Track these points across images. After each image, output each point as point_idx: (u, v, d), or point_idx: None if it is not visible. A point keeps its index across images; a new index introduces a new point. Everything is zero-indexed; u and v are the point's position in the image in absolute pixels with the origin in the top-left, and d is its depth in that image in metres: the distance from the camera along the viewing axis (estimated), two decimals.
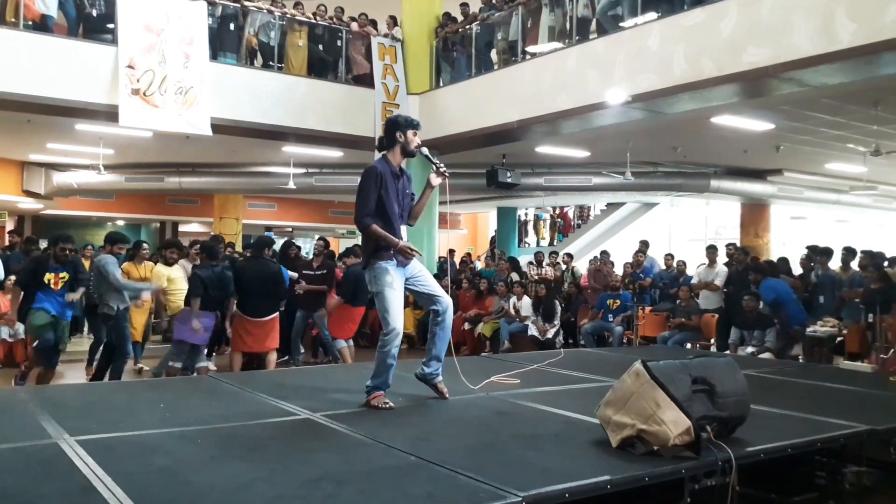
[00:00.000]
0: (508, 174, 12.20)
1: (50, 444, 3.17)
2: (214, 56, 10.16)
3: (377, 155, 13.44)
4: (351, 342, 8.33)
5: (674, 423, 3.06)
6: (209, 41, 9.94)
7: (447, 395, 4.36)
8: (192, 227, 22.21)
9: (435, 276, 12.35)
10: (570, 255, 13.82)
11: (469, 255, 17.38)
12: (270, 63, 11.02)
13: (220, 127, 10.01)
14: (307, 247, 16.54)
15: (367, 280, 4.28)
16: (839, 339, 8.31)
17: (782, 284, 8.81)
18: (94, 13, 9.64)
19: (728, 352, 8.17)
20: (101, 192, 16.99)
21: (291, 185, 13.80)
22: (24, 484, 2.61)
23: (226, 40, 10.49)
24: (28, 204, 16.16)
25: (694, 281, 10.02)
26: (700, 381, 3.26)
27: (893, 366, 6.66)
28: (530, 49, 10.28)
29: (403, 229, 4.26)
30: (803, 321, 8.39)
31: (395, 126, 4.29)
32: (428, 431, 3.53)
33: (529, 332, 10.29)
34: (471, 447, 3.26)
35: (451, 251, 15.14)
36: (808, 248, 9.97)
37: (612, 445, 3.21)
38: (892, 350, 7.08)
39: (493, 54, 11.19)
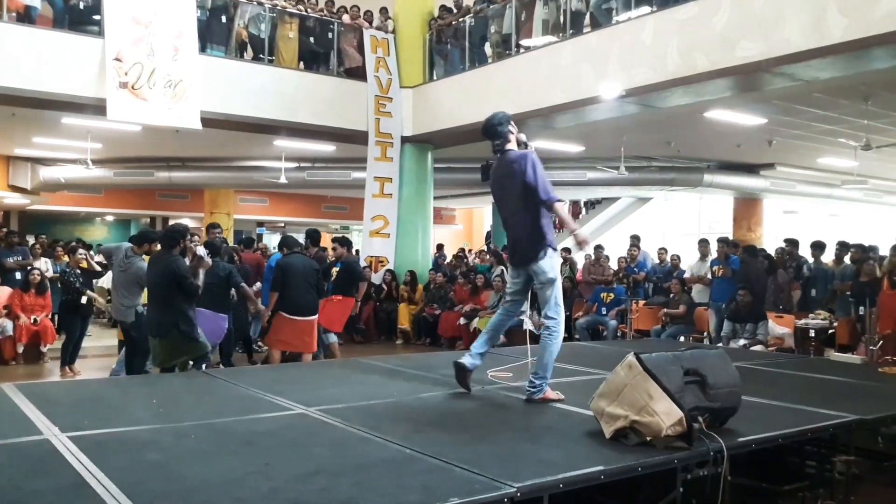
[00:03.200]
0: None
1: (41, 441, 3.16)
2: (204, 49, 10.08)
3: (370, 150, 13.39)
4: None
5: (666, 414, 3.08)
6: (198, 33, 9.86)
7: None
8: (183, 222, 22.08)
9: (430, 271, 12.42)
10: (567, 250, 13.80)
11: (463, 249, 17.38)
12: (261, 56, 10.95)
13: (210, 120, 9.95)
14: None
15: (542, 267, 4.11)
16: (830, 331, 8.37)
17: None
18: (80, 4, 9.56)
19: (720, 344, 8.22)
20: (90, 186, 16.87)
21: (283, 180, 13.74)
22: (16, 480, 2.60)
23: (215, 33, 10.41)
24: (14, 199, 16.02)
25: (686, 275, 10.06)
26: (692, 372, 3.28)
27: (883, 357, 6.70)
28: (524, 42, 10.27)
29: None
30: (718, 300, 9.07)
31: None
32: (423, 425, 3.53)
33: (525, 326, 10.28)
34: (466, 440, 3.26)
35: (440, 246, 15.11)
36: (785, 240, 10.09)
37: (605, 436, 3.23)
38: (881, 341, 7.12)
39: (487, 47, 11.17)
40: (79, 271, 8.40)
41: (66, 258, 11.77)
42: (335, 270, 8.09)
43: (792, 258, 9.75)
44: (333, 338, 7.98)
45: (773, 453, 3.69)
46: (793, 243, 9.94)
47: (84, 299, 8.13)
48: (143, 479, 2.62)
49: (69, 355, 8.18)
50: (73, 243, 12.72)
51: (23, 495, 2.44)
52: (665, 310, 9.55)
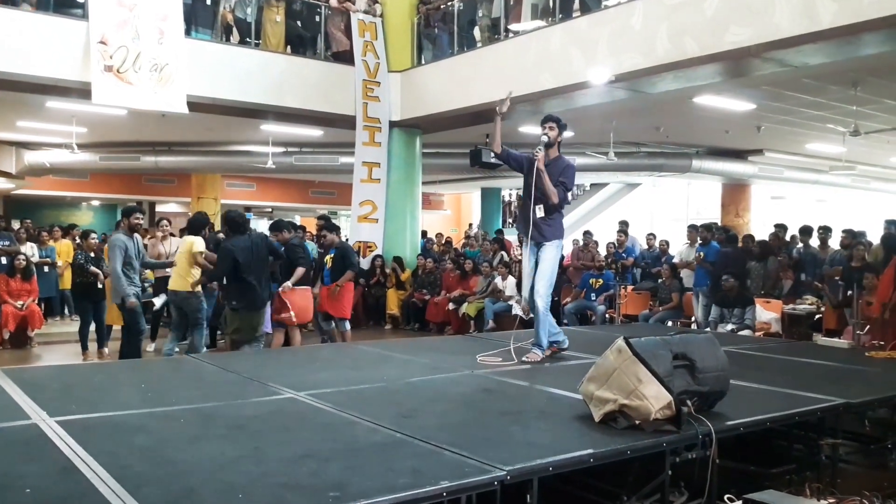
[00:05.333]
0: (492, 154, 12.13)
1: (29, 425, 3.13)
2: (189, 32, 9.95)
3: (358, 134, 13.37)
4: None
5: (655, 397, 3.09)
6: (184, 17, 9.72)
7: (526, 360, 4.89)
8: (170, 207, 21.94)
9: (418, 256, 12.37)
10: None
11: (439, 234, 17.26)
12: (247, 39, 10.83)
13: (196, 105, 9.83)
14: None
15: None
16: (818, 316, 8.44)
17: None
18: None
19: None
20: (75, 171, 16.66)
21: (270, 165, 13.65)
22: (4, 465, 2.57)
23: (201, 16, 10.27)
24: None
25: (676, 260, 10.11)
26: (681, 356, 3.29)
27: (870, 341, 6.77)
28: (513, 27, 10.21)
29: (540, 208, 4.97)
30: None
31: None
32: (413, 409, 3.53)
33: (513, 312, 10.32)
34: (456, 424, 3.27)
35: (424, 233, 15.06)
36: (775, 226, 10.14)
37: (594, 420, 3.24)
38: (868, 326, 7.19)
39: (476, 32, 11.09)
40: (91, 255, 8.37)
41: (52, 242, 11.75)
42: (329, 258, 8.03)
43: (780, 242, 9.81)
44: (348, 325, 7.91)
45: (761, 437, 3.72)
46: (782, 228, 10.00)
47: (99, 284, 8.13)
48: (132, 463, 2.60)
49: (98, 339, 8.25)
50: (56, 228, 12.71)
51: (11, 479, 2.42)
52: (661, 308, 9.64)
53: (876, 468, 4.11)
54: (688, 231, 10.23)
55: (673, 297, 9.59)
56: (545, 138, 4.99)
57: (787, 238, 10.07)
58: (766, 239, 9.99)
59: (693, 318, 9.40)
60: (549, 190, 4.92)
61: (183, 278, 6.91)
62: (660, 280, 9.96)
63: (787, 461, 3.77)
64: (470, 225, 21.34)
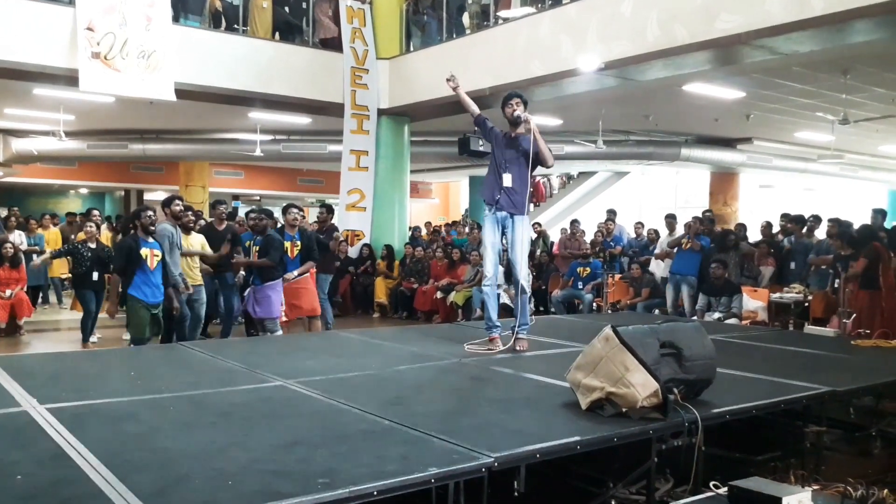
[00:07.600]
0: (481, 142, 12.04)
1: (19, 413, 3.13)
2: (177, 19, 9.89)
3: (346, 122, 13.30)
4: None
5: (642, 385, 3.12)
6: (171, 3, 9.65)
7: (518, 349, 4.85)
8: (158, 195, 21.77)
9: (406, 245, 12.36)
10: (538, 224, 13.85)
11: (428, 222, 17.28)
12: (235, 26, 10.76)
13: (184, 92, 9.78)
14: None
15: None
16: (805, 304, 8.50)
17: None
18: None
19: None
20: (63, 159, 16.53)
21: (258, 153, 13.58)
22: None
23: (188, 2, 10.22)
24: None
25: (658, 250, 10.16)
26: (668, 345, 3.31)
27: (855, 330, 6.83)
28: (502, 14, 10.18)
29: (508, 177, 4.97)
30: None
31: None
32: (401, 397, 3.55)
33: (501, 300, 10.33)
34: (444, 411, 3.28)
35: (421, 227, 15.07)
36: (765, 223, 10.24)
37: (581, 408, 3.26)
38: (854, 315, 7.24)
39: (465, 18, 11.05)
40: (91, 245, 8.32)
41: (40, 230, 11.68)
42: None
43: (768, 233, 9.88)
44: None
45: (747, 424, 3.75)
46: (769, 225, 10.09)
47: (95, 275, 8.09)
48: (123, 451, 2.60)
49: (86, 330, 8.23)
50: (47, 216, 12.63)
51: (2, 466, 2.42)
52: (637, 300, 9.73)
53: (860, 455, 4.16)
54: (666, 220, 10.25)
55: (643, 292, 9.66)
56: (518, 114, 5.02)
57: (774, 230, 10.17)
58: (732, 228, 10.12)
59: (679, 308, 9.45)
60: (546, 153, 4.93)
61: (194, 271, 7.38)
62: (633, 278, 10.02)
63: (772, 448, 3.80)
64: (466, 210, 21.33)
